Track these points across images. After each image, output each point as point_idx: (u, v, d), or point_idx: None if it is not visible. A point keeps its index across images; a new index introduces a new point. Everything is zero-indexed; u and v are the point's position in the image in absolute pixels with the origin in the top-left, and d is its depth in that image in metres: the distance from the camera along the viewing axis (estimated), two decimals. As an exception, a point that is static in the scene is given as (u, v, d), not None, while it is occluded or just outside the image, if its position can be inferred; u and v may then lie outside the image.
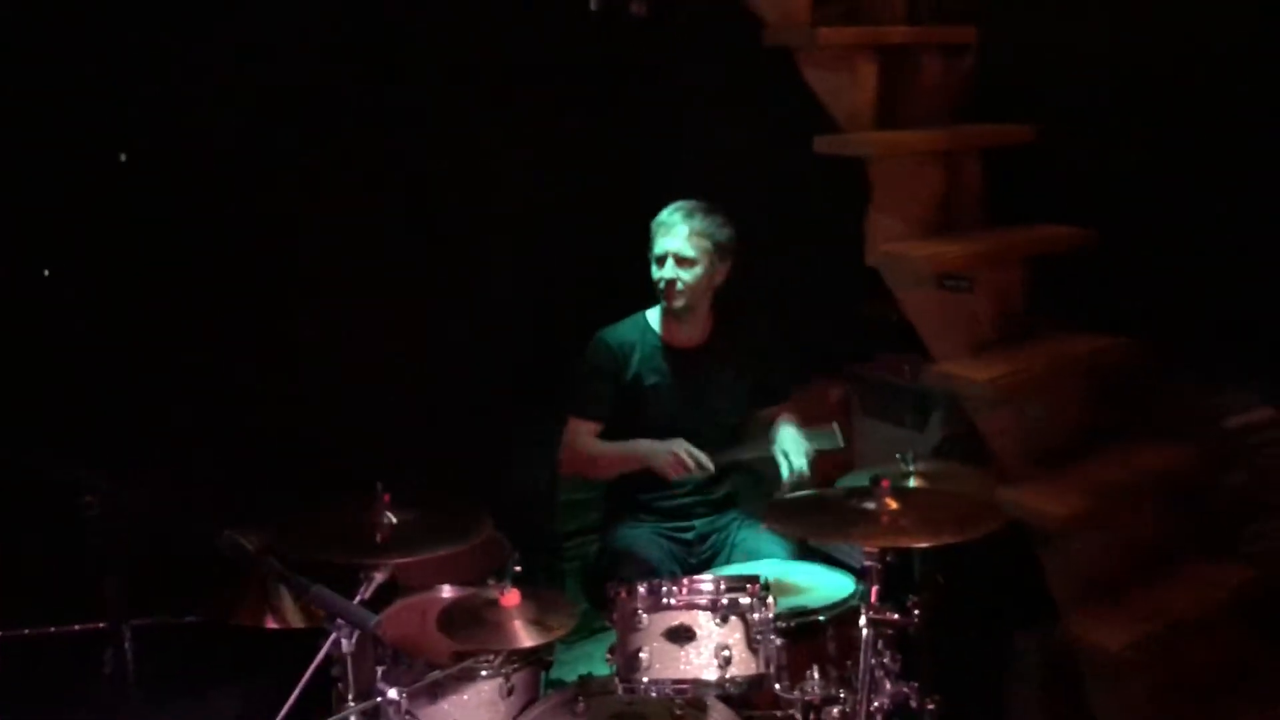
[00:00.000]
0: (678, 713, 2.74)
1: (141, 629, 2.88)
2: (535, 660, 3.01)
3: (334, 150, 3.75)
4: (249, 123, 3.60)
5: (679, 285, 3.42)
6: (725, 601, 2.60)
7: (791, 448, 3.37)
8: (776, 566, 3.27)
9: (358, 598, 2.57)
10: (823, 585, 3.15)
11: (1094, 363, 3.69)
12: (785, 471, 3.34)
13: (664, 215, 3.46)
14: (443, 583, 3.24)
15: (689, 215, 3.40)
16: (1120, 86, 3.74)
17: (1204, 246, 3.67)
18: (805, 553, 3.52)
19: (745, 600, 2.61)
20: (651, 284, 3.50)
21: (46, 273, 2.94)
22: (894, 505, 2.67)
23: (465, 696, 2.90)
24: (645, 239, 3.55)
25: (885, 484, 2.69)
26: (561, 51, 3.94)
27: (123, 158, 3.38)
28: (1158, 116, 3.70)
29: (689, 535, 3.53)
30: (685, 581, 2.65)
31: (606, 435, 3.56)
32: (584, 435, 3.54)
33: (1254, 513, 3.63)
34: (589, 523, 4.15)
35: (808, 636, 2.90)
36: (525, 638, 2.67)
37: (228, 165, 3.58)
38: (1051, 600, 3.50)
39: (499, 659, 2.79)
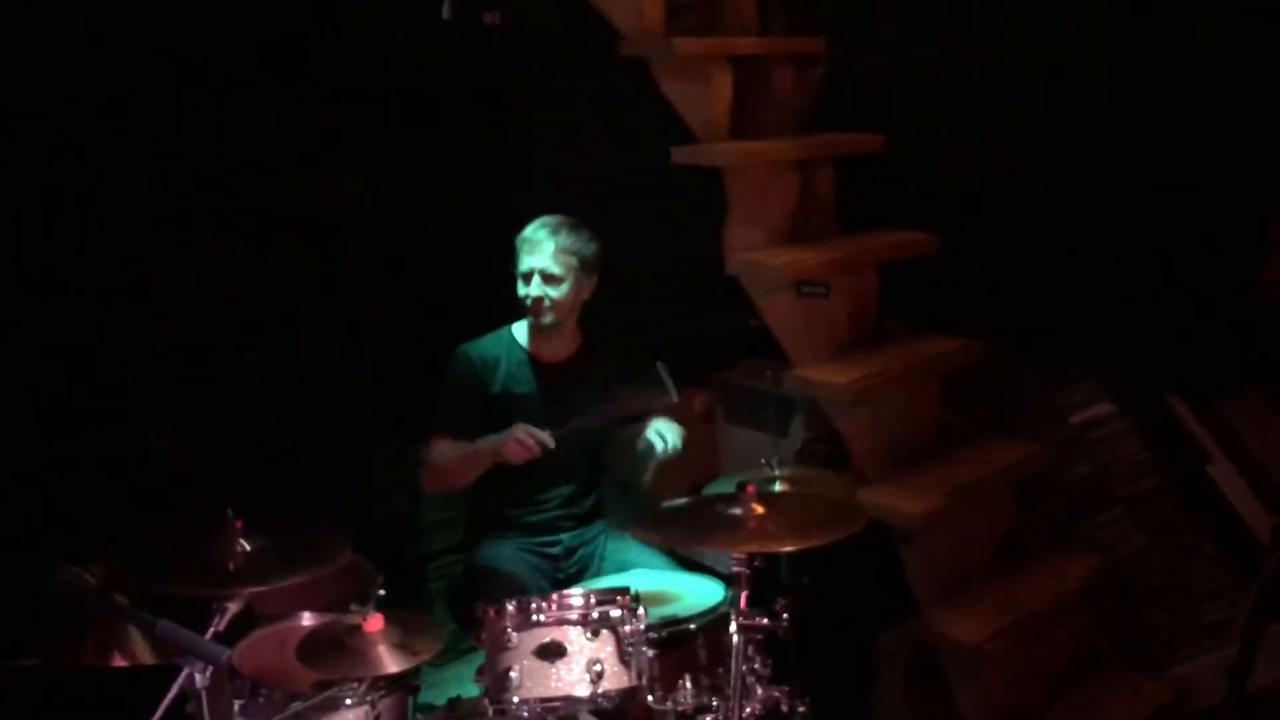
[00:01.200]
0: (548, 731, 2.70)
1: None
2: (402, 685, 2.92)
3: (183, 162, 3.60)
4: (96, 135, 3.42)
5: (546, 302, 3.38)
6: (596, 615, 2.58)
7: (665, 428, 3.37)
8: (646, 577, 3.25)
9: (211, 630, 2.45)
10: (693, 593, 3.14)
11: (945, 364, 3.80)
12: (660, 447, 3.31)
13: (529, 232, 3.41)
14: (302, 610, 3.13)
15: (554, 232, 3.37)
16: (962, 95, 3.87)
17: (1044, 248, 3.83)
18: (675, 562, 3.52)
19: (616, 613, 2.59)
20: (517, 300, 3.45)
21: None
22: (760, 510, 2.68)
23: (331, 727, 2.79)
24: (506, 254, 3.50)
25: (750, 489, 2.71)
26: (418, 62, 3.86)
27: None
28: (998, 122, 3.84)
29: (556, 550, 3.48)
30: (554, 597, 2.61)
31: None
32: (436, 449, 3.46)
33: (1099, 504, 3.79)
34: (454, 542, 4.07)
35: (679, 646, 2.89)
36: (391, 663, 2.59)
37: (76, 176, 3.40)
38: (911, 601, 3.58)
39: (363, 686, 2.69)
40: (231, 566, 2.51)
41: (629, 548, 3.48)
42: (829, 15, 3.99)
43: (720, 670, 2.76)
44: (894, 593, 3.64)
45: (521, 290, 3.40)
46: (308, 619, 3.09)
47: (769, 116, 3.90)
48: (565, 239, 3.36)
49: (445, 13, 3.44)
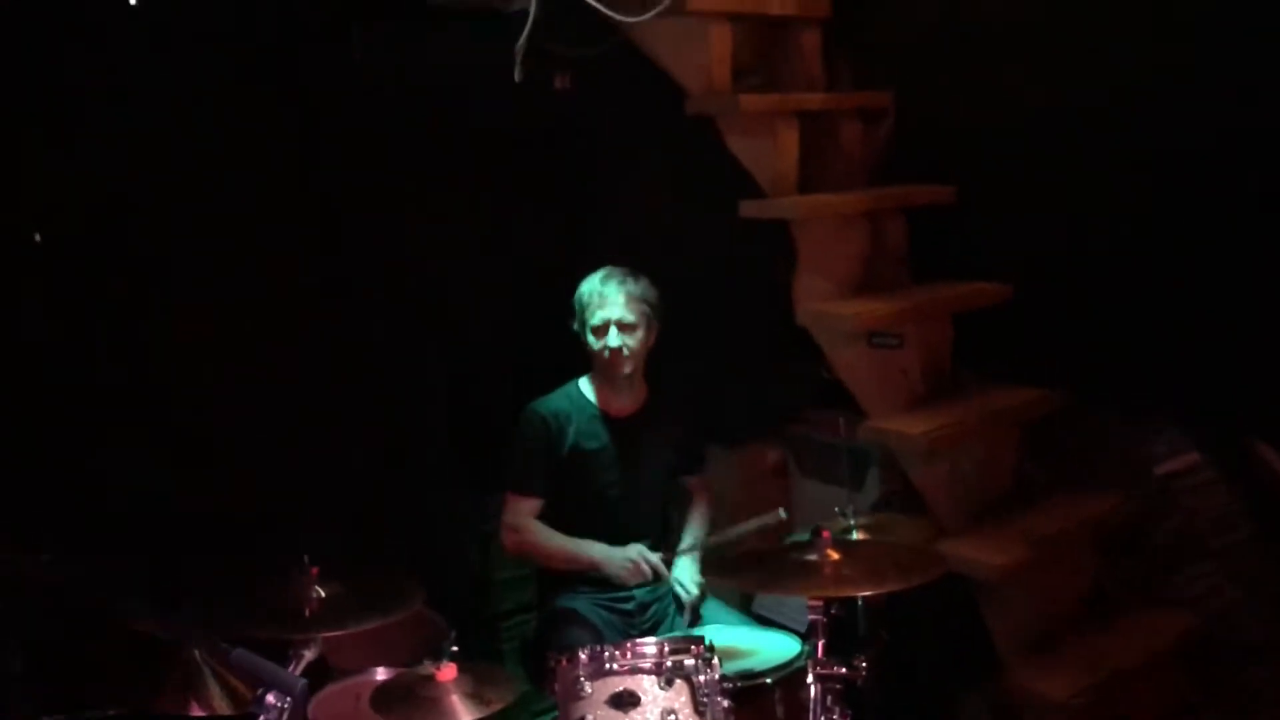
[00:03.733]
0: (625, 788, 2.65)
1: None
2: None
3: (266, 218, 3.70)
4: (170, 205, 3.54)
5: (625, 351, 3.38)
6: (669, 664, 2.54)
7: (684, 574, 3.38)
8: (721, 633, 3.21)
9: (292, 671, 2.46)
10: (768, 648, 3.09)
11: (1023, 414, 3.73)
12: (685, 598, 3.36)
13: (596, 285, 3.40)
14: (376, 664, 3.14)
15: (622, 281, 3.38)
16: (1033, 142, 3.84)
17: (1121, 295, 3.75)
18: (749, 620, 3.48)
19: (690, 662, 2.55)
20: (586, 355, 3.46)
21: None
22: (835, 556, 2.64)
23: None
24: (567, 308, 3.52)
25: (826, 534, 2.67)
26: (490, 124, 3.94)
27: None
28: (1070, 167, 3.80)
29: (629, 605, 3.45)
30: (628, 645, 2.58)
31: (548, 509, 3.49)
32: (525, 513, 3.46)
33: (1187, 557, 3.66)
34: (525, 601, 4.06)
35: (755, 700, 2.83)
36: (464, 712, 2.57)
37: (148, 246, 3.52)
38: (994, 657, 3.48)
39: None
40: (307, 612, 2.52)
41: (704, 605, 3.44)
42: (896, 69, 4.00)
43: (798, 724, 2.69)
44: (975, 651, 3.55)
45: (596, 344, 3.39)
46: (381, 674, 3.10)
47: (837, 170, 3.91)
48: (634, 287, 3.38)
49: (517, 76, 3.51)
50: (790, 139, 3.74)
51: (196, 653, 2.88)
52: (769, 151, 3.71)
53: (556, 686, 2.65)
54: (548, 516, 3.47)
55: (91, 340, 3.43)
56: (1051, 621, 3.49)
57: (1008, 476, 3.72)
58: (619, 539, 3.45)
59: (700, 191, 3.93)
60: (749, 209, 3.67)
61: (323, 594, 2.55)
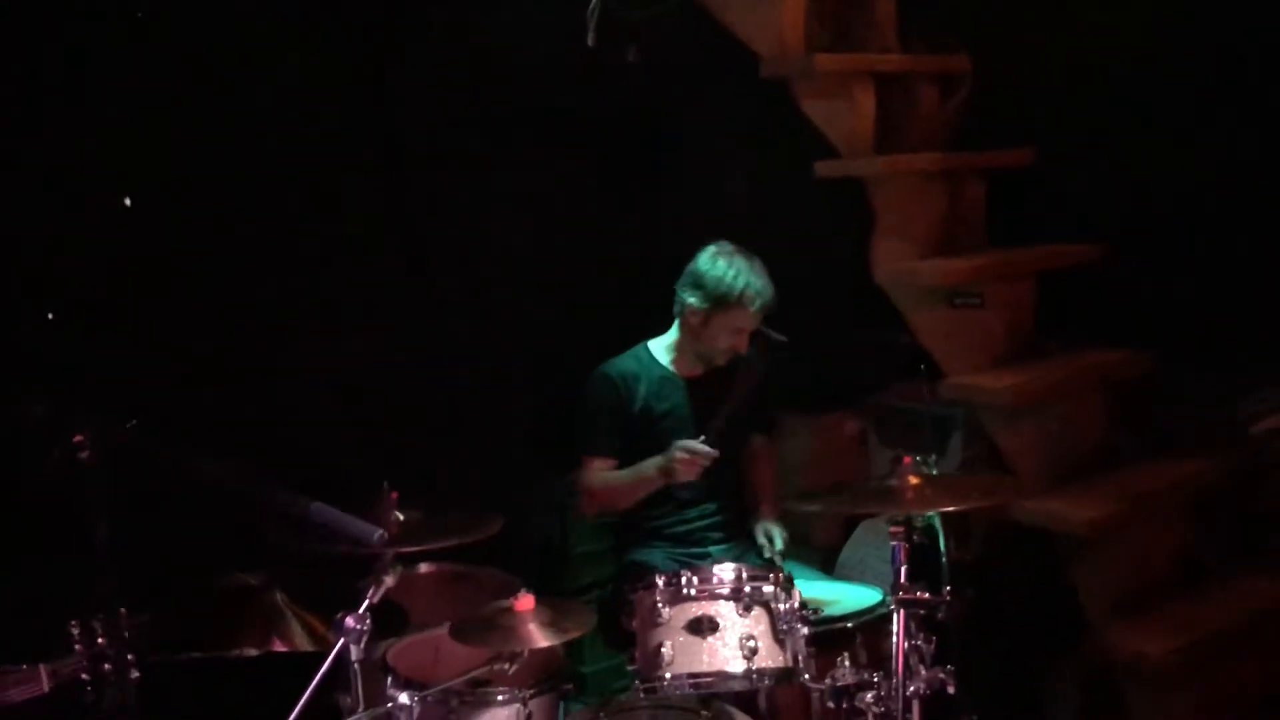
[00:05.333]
0: (702, 723, 2.61)
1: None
2: (553, 687, 2.89)
3: (353, 196, 3.75)
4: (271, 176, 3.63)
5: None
6: (749, 590, 2.50)
7: (771, 529, 3.36)
8: (803, 586, 3.15)
9: (365, 603, 2.48)
10: (850, 598, 3.04)
11: (1111, 376, 3.64)
12: (766, 552, 3.30)
13: (751, 287, 3.27)
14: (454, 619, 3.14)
15: (768, 288, 3.31)
16: (1116, 100, 3.78)
17: (1212, 254, 3.66)
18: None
19: (769, 589, 2.51)
20: (672, 313, 3.43)
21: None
22: (915, 481, 2.59)
23: (482, 726, 2.77)
24: (651, 276, 3.50)
25: (907, 460, 2.62)
26: (566, 97, 3.98)
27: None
28: (1154, 125, 3.73)
29: (704, 562, 3.41)
30: (706, 571, 2.55)
31: (619, 468, 3.48)
32: (598, 473, 3.46)
33: (1288, 520, 3.53)
34: (604, 575, 4.03)
35: (835, 644, 2.78)
36: (541, 639, 2.56)
37: (259, 201, 3.59)
38: (1081, 623, 3.38)
39: (514, 666, 2.66)
40: (386, 536, 2.54)
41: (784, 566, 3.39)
42: (972, 31, 3.97)
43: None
44: (1062, 617, 3.45)
45: (725, 342, 3.33)
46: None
47: (913, 133, 3.88)
48: (772, 296, 3.30)
49: (590, 40, 3.55)
50: (866, 100, 3.72)
51: (279, 596, 2.95)
52: (845, 113, 3.70)
53: (635, 619, 2.63)
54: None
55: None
56: (1143, 582, 3.38)
57: (1095, 439, 3.63)
58: (691, 499, 3.42)
59: (774, 156, 3.93)
60: (825, 169, 3.66)
61: (401, 518, 2.56)
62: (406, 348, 3.91)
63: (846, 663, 2.58)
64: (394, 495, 2.57)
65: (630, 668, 2.62)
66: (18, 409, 1.78)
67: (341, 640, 2.42)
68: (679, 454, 3.17)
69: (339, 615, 2.43)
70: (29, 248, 3.14)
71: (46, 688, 2.23)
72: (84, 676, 2.25)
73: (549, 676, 2.89)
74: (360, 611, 2.43)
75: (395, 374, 3.82)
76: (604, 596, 3.70)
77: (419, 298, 3.91)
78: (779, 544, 3.30)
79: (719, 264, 3.31)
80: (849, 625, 2.83)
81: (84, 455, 1.75)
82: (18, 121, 3.16)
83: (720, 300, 3.29)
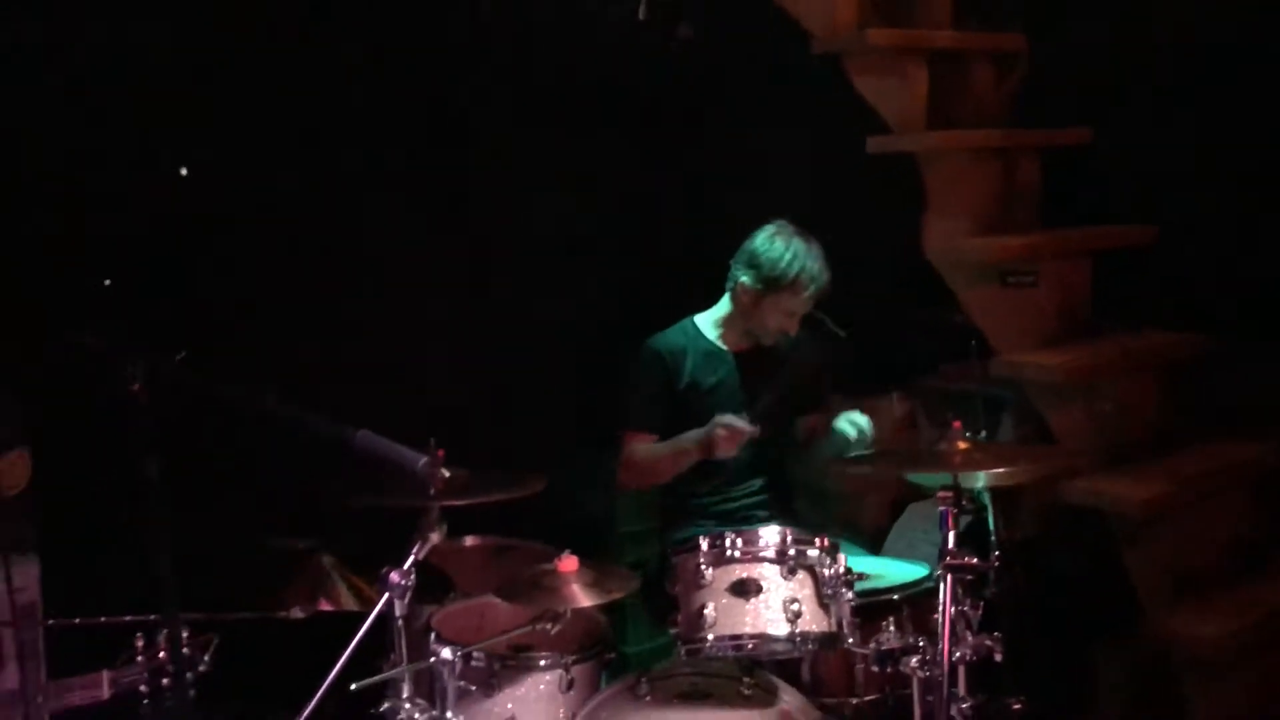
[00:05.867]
0: (745, 693, 2.59)
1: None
2: (595, 655, 2.88)
3: (401, 172, 3.78)
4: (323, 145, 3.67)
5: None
6: (793, 553, 2.48)
7: (855, 416, 3.25)
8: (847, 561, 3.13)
9: (410, 558, 2.49)
10: (896, 573, 3.00)
11: (1167, 357, 3.58)
12: (853, 433, 3.18)
13: (806, 270, 3.22)
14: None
15: (823, 273, 3.26)
16: (1174, 84, 3.71)
17: (1269, 235, 3.59)
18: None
19: (814, 553, 2.49)
20: (722, 288, 3.41)
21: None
22: (965, 445, 2.55)
23: (523, 689, 2.77)
24: (703, 253, 3.48)
25: (957, 424, 2.58)
26: (618, 76, 3.98)
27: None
28: (1215, 111, 3.66)
29: (751, 538, 3.39)
30: (750, 534, 2.53)
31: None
32: (640, 447, 3.45)
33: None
34: (648, 555, 4.02)
35: (880, 617, 2.75)
36: (584, 598, 2.56)
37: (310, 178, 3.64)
38: (1133, 610, 3.32)
39: (557, 634, 2.66)
40: (432, 490, 2.55)
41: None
42: (1029, 10, 3.92)
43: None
44: (1113, 604, 3.39)
45: (774, 323, 3.30)
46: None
47: (967, 111, 3.84)
48: (827, 280, 3.26)
49: (641, 14, 3.55)
50: (919, 77, 3.69)
51: (327, 559, 2.98)
52: (897, 89, 3.68)
53: (678, 583, 2.61)
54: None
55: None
56: (1199, 565, 3.31)
57: (1149, 420, 3.57)
58: (736, 476, 3.40)
59: (824, 133, 3.90)
60: (877, 144, 3.63)
61: (447, 474, 2.57)
62: (458, 318, 3.91)
63: (891, 626, 2.54)
64: (440, 452, 2.58)
65: (672, 630, 2.60)
66: (72, 344, 1.81)
67: (386, 595, 2.44)
68: (720, 429, 3.15)
69: (384, 570, 2.45)
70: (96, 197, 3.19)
71: (106, 694, 2.29)
72: (142, 689, 2.29)
73: (592, 644, 2.89)
74: (405, 567, 2.45)
75: (446, 344, 3.83)
76: (650, 575, 3.68)
77: (470, 266, 3.91)
78: (865, 425, 3.20)
79: (776, 245, 3.27)
80: (894, 597, 2.78)
81: (135, 388, 1.78)
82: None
83: (773, 282, 3.26)
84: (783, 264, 3.24)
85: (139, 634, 2.30)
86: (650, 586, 3.51)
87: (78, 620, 2.77)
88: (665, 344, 3.45)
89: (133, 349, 1.79)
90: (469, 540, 3.47)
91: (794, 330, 3.30)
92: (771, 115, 4.01)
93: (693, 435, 3.24)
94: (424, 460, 2.00)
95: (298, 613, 2.87)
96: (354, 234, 3.71)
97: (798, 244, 3.28)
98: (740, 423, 3.15)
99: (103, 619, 2.70)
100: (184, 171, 3.49)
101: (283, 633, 2.89)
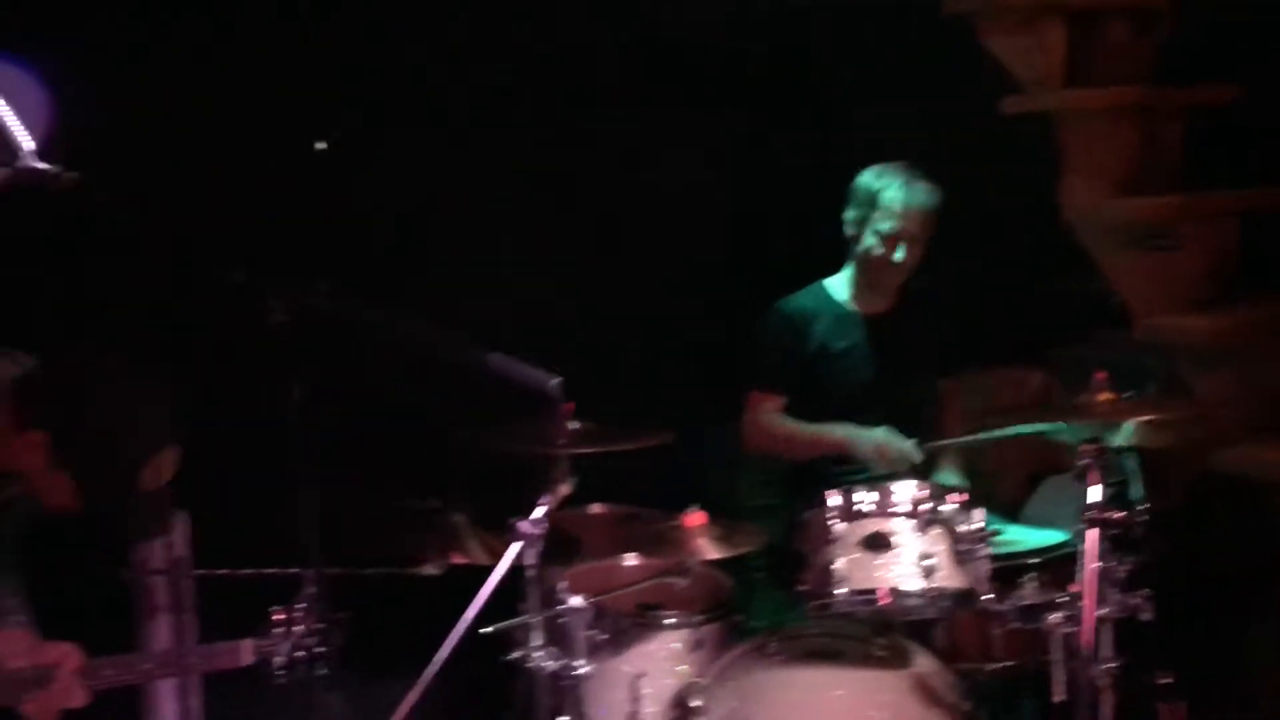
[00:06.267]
0: (877, 653, 2.54)
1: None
2: (724, 616, 2.87)
3: (522, 150, 3.81)
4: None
5: (905, 263, 3.30)
6: (927, 508, 2.42)
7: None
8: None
9: (542, 509, 2.51)
10: (1035, 538, 2.91)
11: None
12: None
13: (896, 190, 3.21)
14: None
15: (927, 193, 3.21)
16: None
17: None
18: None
19: (949, 509, 2.42)
20: (846, 248, 3.37)
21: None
22: (1108, 396, 2.46)
23: (651, 646, 2.77)
24: (826, 218, 3.44)
25: (1101, 375, 2.49)
26: (735, 31, 3.95)
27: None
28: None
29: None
30: (882, 487, 2.48)
31: (791, 408, 3.43)
32: (768, 410, 3.41)
33: None
34: (776, 530, 3.98)
35: (1016, 579, 2.65)
36: (711, 551, 2.54)
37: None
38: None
39: (685, 593, 2.66)
40: (561, 441, 2.57)
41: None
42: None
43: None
44: (1269, 579, 3.22)
45: (877, 249, 3.25)
46: (630, 559, 3.11)
47: (1105, 69, 3.70)
48: (932, 200, 3.20)
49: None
50: (1055, 36, 3.59)
51: (456, 517, 3.03)
52: (1031, 49, 3.58)
53: (805, 541, 2.58)
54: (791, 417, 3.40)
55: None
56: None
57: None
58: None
59: (953, 96, 3.80)
60: (1012, 104, 3.53)
61: (576, 426, 2.59)
62: (589, 278, 3.90)
63: (1032, 582, 2.46)
64: (569, 405, 2.59)
65: (799, 588, 2.56)
66: (215, 276, 1.87)
67: (517, 545, 2.46)
68: (882, 444, 3.10)
69: (514, 519, 2.48)
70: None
71: (248, 661, 2.29)
72: (278, 659, 2.32)
73: (720, 605, 2.88)
74: (535, 516, 2.47)
75: (576, 304, 3.82)
76: (778, 543, 3.65)
77: (601, 226, 3.89)
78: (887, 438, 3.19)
79: (870, 172, 3.29)
80: (1034, 560, 2.69)
81: (277, 318, 1.83)
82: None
83: (866, 203, 3.25)
84: (874, 185, 3.24)
85: (278, 608, 2.35)
86: (777, 560, 3.49)
87: (224, 572, 2.88)
88: (795, 306, 3.42)
89: (275, 281, 1.83)
90: (595, 508, 3.48)
91: (894, 252, 3.23)
92: (899, 78, 3.93)
93: (846, 432, 3.21)
94: (554, 380, 2.01)
95: (431, 569, 2.93)
96: (487, 189, 3.73)
97: (893, 170, 3.26)
98: (908, 452, 3.10)
99: (247, 571, 2.80)
100: (321, 146, 3.59)
101: (416, 589, 2.96)
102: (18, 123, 1.73)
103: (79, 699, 2.06)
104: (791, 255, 3.66)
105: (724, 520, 2.68)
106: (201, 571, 2.99)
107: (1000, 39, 3.60)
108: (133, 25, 3.10)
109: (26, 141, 1.75)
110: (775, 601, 3.49)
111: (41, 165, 1.75)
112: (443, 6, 3.63)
